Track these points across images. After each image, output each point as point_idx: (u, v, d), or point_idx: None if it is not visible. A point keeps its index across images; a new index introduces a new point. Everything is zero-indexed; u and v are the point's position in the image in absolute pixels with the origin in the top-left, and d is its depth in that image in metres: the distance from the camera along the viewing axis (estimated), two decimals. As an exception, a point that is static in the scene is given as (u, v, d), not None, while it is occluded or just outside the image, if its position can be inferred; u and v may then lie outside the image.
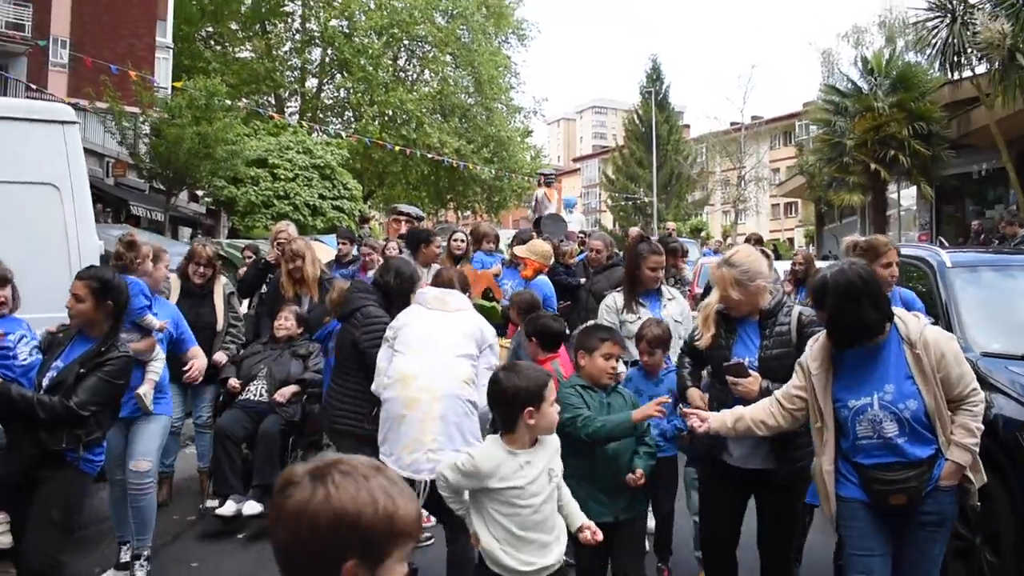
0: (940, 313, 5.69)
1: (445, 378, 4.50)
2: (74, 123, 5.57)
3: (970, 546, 4.71)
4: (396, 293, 5.28)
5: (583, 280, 8.92)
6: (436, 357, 4.57)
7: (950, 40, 16.31)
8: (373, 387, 4.79)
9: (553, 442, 3.70)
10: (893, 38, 31.30)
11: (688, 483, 5.60)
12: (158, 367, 5.28)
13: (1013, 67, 14.27)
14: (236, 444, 6.14)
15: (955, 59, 16.64)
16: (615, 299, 6.06)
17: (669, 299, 6.00)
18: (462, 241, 8.87)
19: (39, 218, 5.38)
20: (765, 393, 4.02)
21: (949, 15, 16.47)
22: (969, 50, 16.10)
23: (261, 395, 6.38)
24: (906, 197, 28.14)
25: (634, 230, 11.20)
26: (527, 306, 6.48)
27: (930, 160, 21.61)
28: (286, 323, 6.78)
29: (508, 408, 3.56)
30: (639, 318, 5.69)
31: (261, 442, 6.13)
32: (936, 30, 16.83)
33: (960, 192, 24.74)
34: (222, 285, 7.06)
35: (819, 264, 12.66)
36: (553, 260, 8.86)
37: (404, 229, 10.91)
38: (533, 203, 13.98)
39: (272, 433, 6.15)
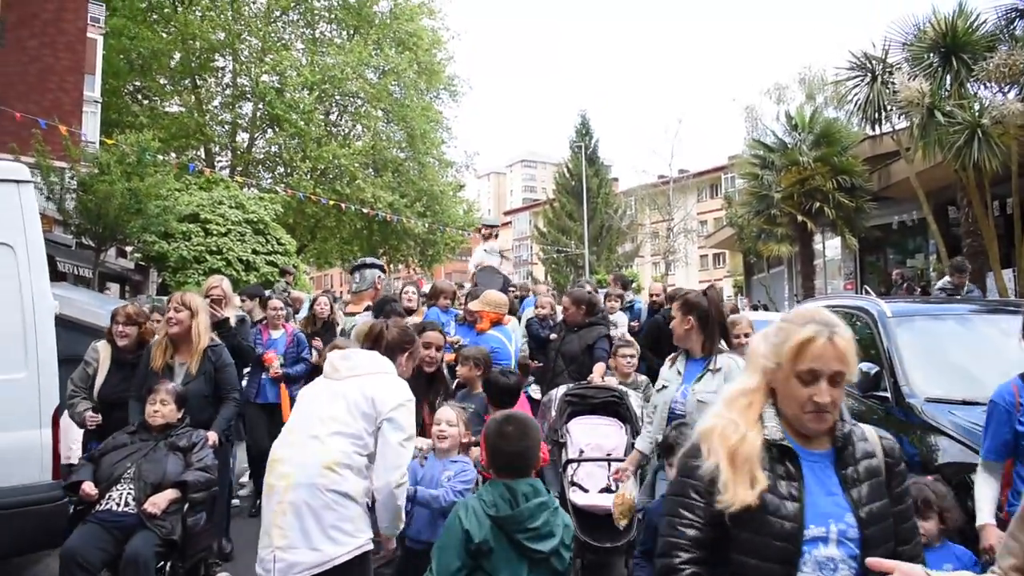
0: (883, 361, 5.92)
1: (305, 462, 3.89)
2: (29, 182, 5.52)
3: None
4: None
5: (552, 336, 8.26)
6: (303, 436, 3.99)
7: (870, 98, 16.92)
8: None
9: None
10: (813, 94, 32.47)
11: None
12: None
13: (932, 124, 14.83)
14: (91, 573, 4.60)
15: (876, 115, 17.23)
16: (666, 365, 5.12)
17: (712, 369, 4.65)
18: (412, 296, 8.89)
19: (-7, 278, 5.31)
20: None
21: (869, 74, 17.10)
22: (889, 107, 16.70)
23: (127, 504, 4.84)
24: (830, 247, 28.93)
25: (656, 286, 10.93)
26: (486, 360, 6.05)
27: (854, 212, 22.27)
28: (163, 407, 5.24)
29: None
30: (665, 386, 4.95)
31: (127, 569, 4.60)
32: (857, 88, 17.46)
33: (882, 242, 25.54)
34: None
35: (753, 314, 12.82)
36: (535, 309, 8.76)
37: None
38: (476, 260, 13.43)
39: (142, 556, 4.61)
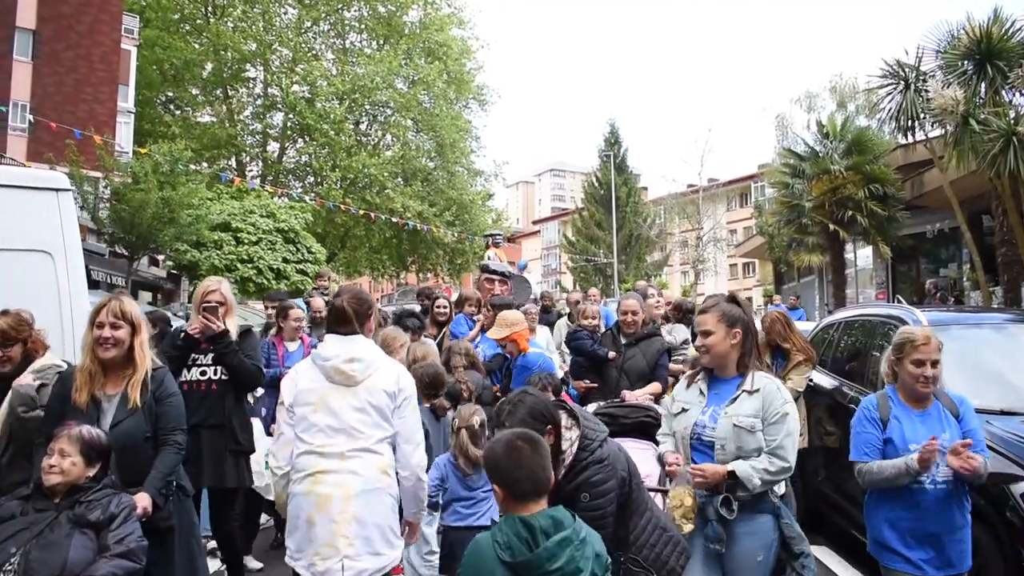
0: (921, 371, 5.85)
1: (361, 472, 3.89)
2: (68, 191, 5.62)
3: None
4: None
5: (612, 355, 7.16)
6: (349, 446, 3.92)
7: (903, 106, 16.76)
8: (273, 463, 4.09)
9: None
10: (844, 102, 32.29)
11: None
12: None
13: (966, 131, 14.67)
14: None
15: (908, 123, 17.07)
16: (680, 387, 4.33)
17: (748, 391, 3.92)
18: (445, 307, 8.90)
19: (32, 285, 5.38)
20: None
21: (902, 82, 16.95)
22: (922, 115, 16.54)
23: None
24: (861, 257, 28.72)
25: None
26: (430, 380, 5.62)
27: (886, 221, 22.06)
28: (62, 461, 3.67)
29: None
30: (685, 409, 4.10)
31: None
32: (890, 96, 17.31)
33: (914, 252, 25.30)
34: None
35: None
36: (575, 321, 8.11)
37: (499, 289, 10.28)
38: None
39: None
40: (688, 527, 3.81)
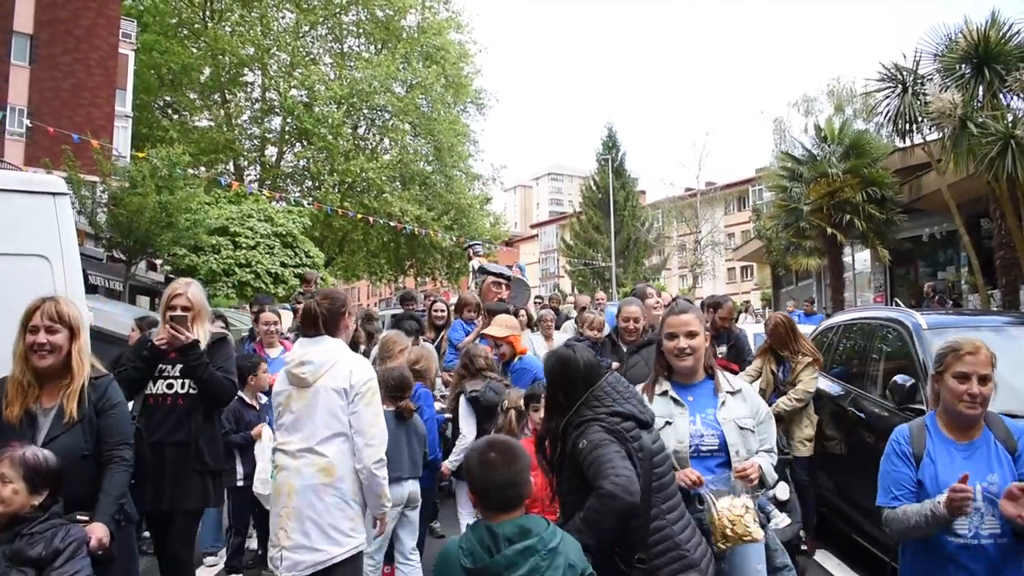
0: (919, 373, 5.83)
1: (302, 470, 4.18)
2: (65, 195, 5.55)
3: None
4: None
5: (615, 365, 6.81)
6: (299, 445, 4.22)
7: (901, 109, 16.77)
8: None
9: None
10: (842, 106, 32.33)
11: None
12: None
13: (964, 135, 14.69)
14: None
15: (906, 127, 17.08)
16: None
17: (730, 392, 3.83)
18: (443, 311, 8.91)
19: (29, 290, 5.33)
20: None
21: (900, 85, 16.96)
22: (920, 119, 16.55)
23: None
24: (859, 260, 28.71)
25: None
26: (396, 383, 5.67)
27: (884, 224, 22.07)
28: (3, 489, 3.28)
29: None
30: (669, 421, 3.77)
31: None
32: (887, 100, 17.32)
33: (912, 255, 25.30)
34: None
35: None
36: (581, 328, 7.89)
37: (505, 294, 10.02)
38: (471, 275, 13.34)
39: None
40: (760, 532, 3.53)
